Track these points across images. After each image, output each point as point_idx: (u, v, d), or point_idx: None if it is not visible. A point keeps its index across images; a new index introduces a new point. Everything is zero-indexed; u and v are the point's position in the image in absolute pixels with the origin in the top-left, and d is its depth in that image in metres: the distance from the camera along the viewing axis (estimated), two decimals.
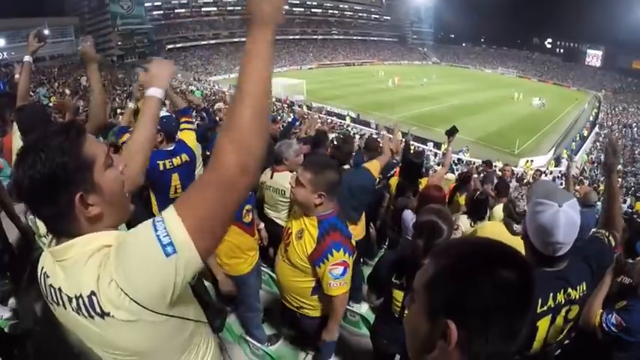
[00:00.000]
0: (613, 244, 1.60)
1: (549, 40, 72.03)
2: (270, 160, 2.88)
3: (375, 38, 76.62)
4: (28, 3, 36.96)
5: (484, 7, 68.95)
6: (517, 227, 2.53)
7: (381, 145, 4.44)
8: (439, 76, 49.92)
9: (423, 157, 4.63)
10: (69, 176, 0.83)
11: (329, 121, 25.32)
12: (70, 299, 0.84)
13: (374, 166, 3.09)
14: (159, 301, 0.80)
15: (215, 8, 57.72)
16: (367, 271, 2.37)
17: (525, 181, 13.88)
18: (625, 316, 1.60)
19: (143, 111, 1.36)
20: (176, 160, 2.77)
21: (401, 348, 1.90)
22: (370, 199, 3.43)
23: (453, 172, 11.26)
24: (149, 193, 2.86)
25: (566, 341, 1.65)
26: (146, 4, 50.67)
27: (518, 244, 1.39)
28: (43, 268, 0.94)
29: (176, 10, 55.21)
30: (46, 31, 2.41)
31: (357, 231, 3.16)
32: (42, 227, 1.65)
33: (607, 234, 1.59)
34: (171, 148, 2.79)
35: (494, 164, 9.57)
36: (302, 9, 69.12)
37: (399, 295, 1.88)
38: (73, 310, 0.84)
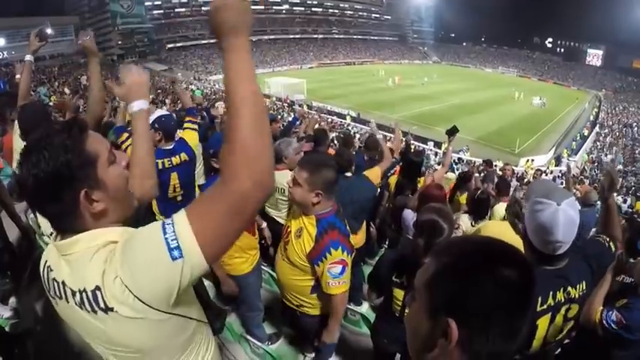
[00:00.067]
0: (613, 249, 1.60)
1: (550, 39, 71.94)
2: None
3: (376, 37, 76.56)
4: (28, 2, 36.98)
5: (485, 6, 68.88)
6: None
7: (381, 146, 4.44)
8: (440, 76, 49.89)
9: (422, 155, 4.62)
10: (73, 173, 0.83)
11: (329, 120, 25.33)
12: (73, 293, 0.85)
13: (375, 174, 3.01)
14: (163, 301, 0.80)
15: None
16: (367, 270, 2.37)
17: (526, 180, 13.88)
18: (625, 314, 1.60)
19: (135, 129, 1.31)
20: (175, 159, 2.76)
21: (401, 347, 1.91)
22: (371, 206, 3.41)
23: (453, 171, 11.27)
24: None
25: (567, 341, 1.65)
26: (146, 4, 50.68)
27: (521, 243, 1.39)
28: (46, 261, 0.95)
29: (176, 10, 55.19)
30: (49, 30, 2.41)
31: (358, 239, 3.11)
32: (44, 226, 1.65)
33: (607, 239, 1.60)
34: (171, 147, 2.78)
35: (494, 164, 9.57)
36: (302, 8, 69.12)
37: (399, 294, 1.88)
38: (76, 304, 0.85)
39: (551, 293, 1.35)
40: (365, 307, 3.19)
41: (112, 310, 0.79)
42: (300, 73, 45.32)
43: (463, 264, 0.64)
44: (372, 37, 75.99)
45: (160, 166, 2.68)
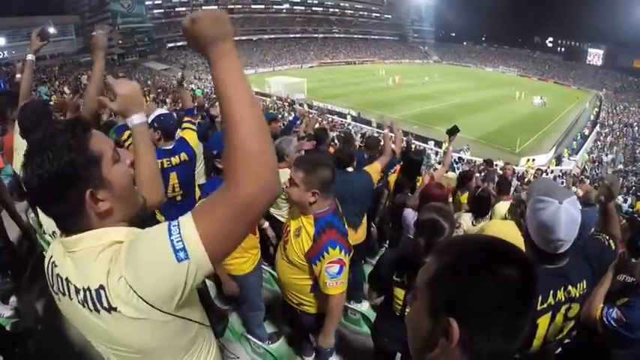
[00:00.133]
0: (613, 247, 1.60)
1: (550, 39, 71.85)
2: None
3: (376, 37, 76.53)
4: (28, 2, 36.98)
5: (485, 5, 68.86)
6: None
7: (381, 143, 4.44)
8: (440, 75, 49.84)
9: (423, 154, 4.63)
10: (77, 173, 0.83)
11: (330, 119, 25.32)
12: (77, 290, 0.85)
13: (375, 170, 3.07)
14: (167, 302, 0.80)
15: (215, 7, 57.69)
16: (368, 269, 2.37)
17: (526, 179, 13.88)
18: (626, 312, 1.60)
19: (138, 142, 1.27)
20: (174, 159, 2.75)
21: (402, 346, 1.91)
22: (370, 202, 3.42)
23: (454, 170, 11.26)
24: None
25: (567, 340, 1.65)
26: (147, 3, 50.67)
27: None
28: (52, 257, 0.95)
29: (177, 9, 55.12)
30: (51, 29, 2.40)
31: (359, 235, 3.15)
32: (46, 224, 1.64)
33: (607, 237, 1.60)
34: (170, 146, 2.77)
35: (495, 163, 9.57)
36: (303, 7, 69.10)
37: (400, 293, 1.87)
38: (78, 301, 0.85)
39: (551, 292, 1.35)
40: (365, 306, 3.20)
41: (115, 310, 0.79)
42: (301, 73, 45.31)
43: (465, 263, 0.64)
44: (372, 37, 75.94)
45: (159, 166, 2.67)
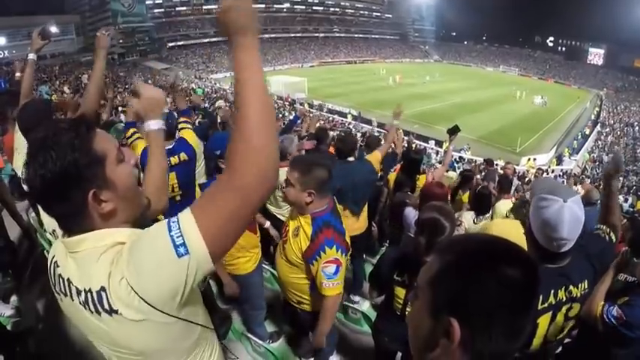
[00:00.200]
0: (614, 239, 1.59)
1: (551, 38, 71.75)
2: None
3: (377, 36, 76.49)
4: (28, 1, 37.01)
5: (486, 5, 68.84)
6: None
7: (382, 142, 4.44)
8: (441, 74, 49.78)
9: (423, 153, 4.63)
10: (81, 173, 0.82)
11: (330, 119, 25.31)
12: (78, 292, 0.84)
13: (375, 158, 3.18)
14: (168, 302, 0.79)
15: (216, 6, 57.21)
16: (369, 268, 2.37)
17: (527, 179, 13.87)
18: (626, 310, 1.60)
19: (153, 148, 1.30)
20: (174, 159, 2.73)
21: (403, 345, 1.91)
22: (371, 193, 3.45)
23: (454, 169, 11.26)
24: None
25: (567, 340, 1.65)
26: (147, 2, 50.62)
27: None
28: (54, 257, 0.94)
29: (177, 8, 55.18)
30: (53, 28, 2.39)
31: (360, 224, 3.20)
32: (47, 223, 1.64)
33: (607, 230, 1.58)
34: (170, 146, 2.74)
35: (495, 163, 9.56)
36: (303, 7, 69.06)
37: (400, 292, 1.87)
38: (80, 303, 0.84)
39: (552, 292, 1.34)
40: (366, 306, 3.20)
41: (116, 312, 0.79)
42: (301, 72, 45.29)
43: (466, 262, 0.64)
44: (373, 36, 75.91)
45: None
